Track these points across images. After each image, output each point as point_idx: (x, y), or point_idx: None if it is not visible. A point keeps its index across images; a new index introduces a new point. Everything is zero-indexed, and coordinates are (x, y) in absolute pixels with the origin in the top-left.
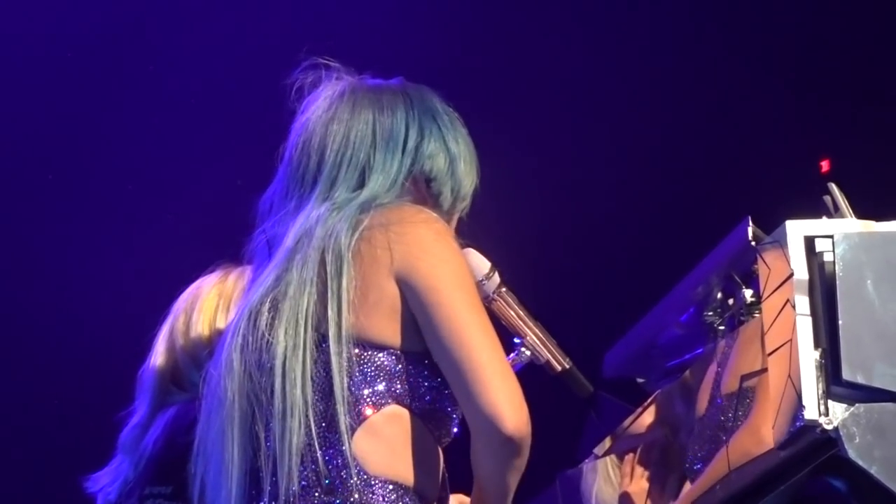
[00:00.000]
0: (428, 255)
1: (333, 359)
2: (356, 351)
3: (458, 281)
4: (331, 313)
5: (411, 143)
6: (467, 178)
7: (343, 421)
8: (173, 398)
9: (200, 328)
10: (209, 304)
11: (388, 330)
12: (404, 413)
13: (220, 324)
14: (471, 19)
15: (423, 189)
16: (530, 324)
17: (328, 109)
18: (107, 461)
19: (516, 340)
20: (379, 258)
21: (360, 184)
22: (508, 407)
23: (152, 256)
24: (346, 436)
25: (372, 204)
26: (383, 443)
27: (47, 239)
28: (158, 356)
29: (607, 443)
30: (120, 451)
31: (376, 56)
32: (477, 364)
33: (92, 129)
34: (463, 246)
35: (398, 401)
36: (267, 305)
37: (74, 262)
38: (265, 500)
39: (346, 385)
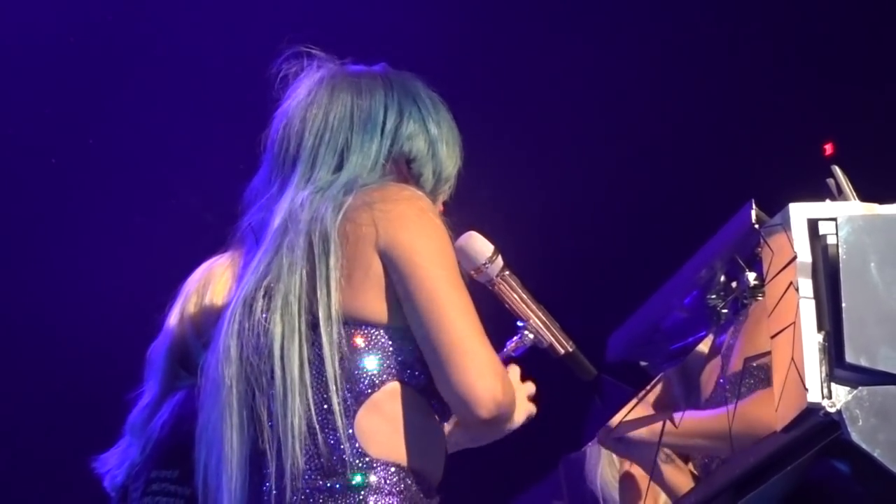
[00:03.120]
0: (409, 229)
1: (325, 339)
2: (350, 329)
3: (438, 257)
4: (320, 295)
5: (390, 125)
6: (449, 159)
7: (337, 401)
8: (182, 381)
9: (214, 309)
10: (222, 285)
11: (377, 306)
12: (406, 389)
13: None
14: (470, 2)
15: (404, 170)
16: (533, 307)
17: (308, 95)
18: (115, 441)
19: (519, 324)
20: (364, 236)
21: (339, 165)
22: (481, 390)
23: (161, 238)
24: (341, 418)
25: (355, 185)
26: (385, 421)
27: (55, 221)
28: (169, 336)
29: (611, 426)
30: (128, 433)
31: (367, 45)
32: (450, 343)
33: (90, 116)
34: (466, 229)
35: (397, 377)
36: (262, 291)
37: (83, 244)
38: (269, 482)
39: (338, 366)
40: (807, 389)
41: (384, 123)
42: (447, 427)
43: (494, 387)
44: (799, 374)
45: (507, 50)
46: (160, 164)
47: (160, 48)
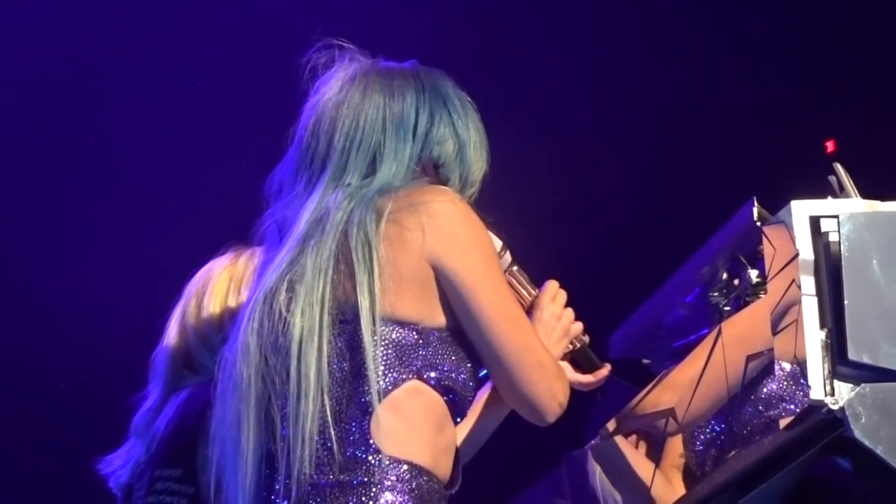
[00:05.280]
0: (459, 240)
1: (366, 341)
2: (378, 328)
3: (488, 269)
4: (361, 298)
5: (421, 129)
6: (476, 164)
7: (357, 399)
8: (186, 381)
9: (212, 310)
10: (220, 286)
11: (414, 307)
12: (424, 388)
13: (232, 306)
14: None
15: (431, 174)
16: None
17: (339, 92)
18: (120, 443)
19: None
20: (410, 240)
21: (372, 170)
22: (548, 399)
23: (163, 239)
24: (359, 414)
25: (391, 188)
26: (402, 419)
27: (62, 219)
28: (170, 339)
29: (613, 424)
30: (132, 435)
31: (391, 38)
32: (515, 358)
33: (97, 107)
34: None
35: (418, 376)
36: (284, 287)
37: (88, 245)
38: (280, 482)
39: (362, 363)
40: (809, 387)
41: (416, 127)
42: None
43: (559, 392)
44: (801, 371)
45: (518, 44)
46: (163, 161)
47: (171, 42)
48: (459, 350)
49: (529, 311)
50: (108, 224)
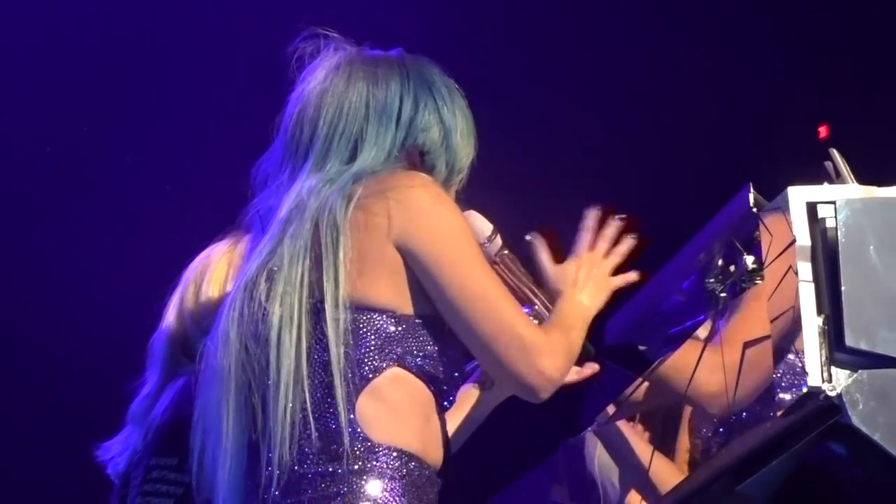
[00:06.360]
0: (428, 222)
1: (329, 326)
2: (354, 316)
3: (460, 244)
4: (327, 284)
5: (405, 116)
6: (463, 151)
7: (340, 388)
8: (183, 368)
9: (210, 297)
10: (219, 273)
11: (387, 294)
12: (407, 375)
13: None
14: None
15: (417, 161)
16: (533, 288)
17: (324, 81)
18: (119, 429)
19: (525, 310)
20: (377, 225)
21: (353, 156)
22: (535, 377)
23: (161, 225)
24: (343, 403)
25: (365, 174)
26: (387, 407)
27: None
28: (168, 325)
29: (610, 410)
30: (130, 422)
31: (378, 28)
32: (494, 335)
33: (89, 99)
34: (465, 208)
35: (399, 363)
36: (263, 277)
37: (84, 234)
38: (264, 471)
39: (342, 352)
40: (807, 373)
41: (399, 114)
42: (469, 396)
43: (546, 368)
44: (798, 357)
45: (511, 29)
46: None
47: (160, 35)
48: (441, 336)
49: (519, 297)
50: (107, 213)
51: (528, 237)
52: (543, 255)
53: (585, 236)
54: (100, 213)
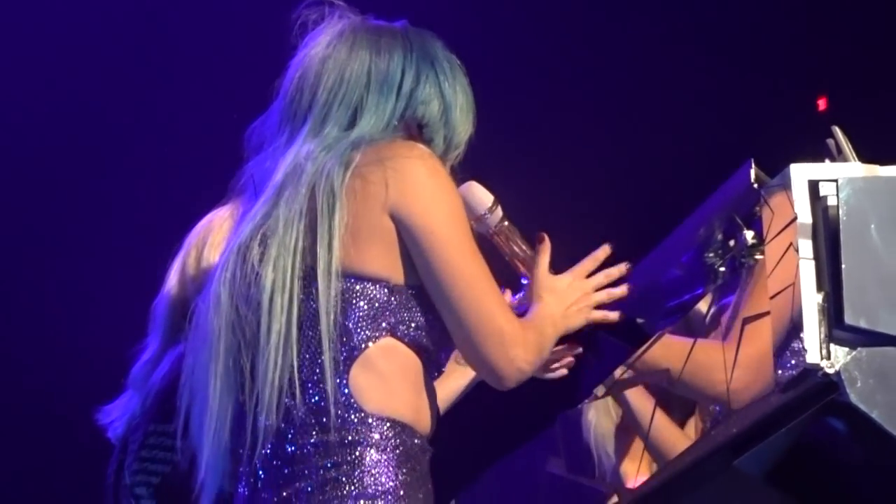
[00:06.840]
0: (423, 194)
1: (321, 293)
2: (347, 284)
3: (452, 222)
4: (320, 250)
5: (406, 88)
6: (462, 126)
7: (330, 356)
8: (184, 334)
9: (211, 262)
10: (220, 237)
11: (380, 263)
12: (399, 345)
13: None
14: None
15: (415, 134)
16: (529, 261)
17: (326, 47)
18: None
19: (524, 281)
20: (373, 194)
21: (352, 123)
22: (504, 366)
23: (164, 190)
24: (331, 371)
25: (363, 142)
26: (379, 377)
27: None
28: (170, 290)
29: (608, 383)
30: (130, 386)
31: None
32: (469, 318)
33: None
34: (466, 179)
35: (392, 333)
36: (257, 241)
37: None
38: (249, 435)
39: (332, 320)
40: (806, 350)
41: (401, 85)
42: (454, 378)
43: (517, 358)
44: (798, 334)
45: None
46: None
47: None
48: (433, 307)
49: (520, 269)
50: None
51: (541, 233)
52: (543, 258)
53: (589, 263)
54: (100, 212)
